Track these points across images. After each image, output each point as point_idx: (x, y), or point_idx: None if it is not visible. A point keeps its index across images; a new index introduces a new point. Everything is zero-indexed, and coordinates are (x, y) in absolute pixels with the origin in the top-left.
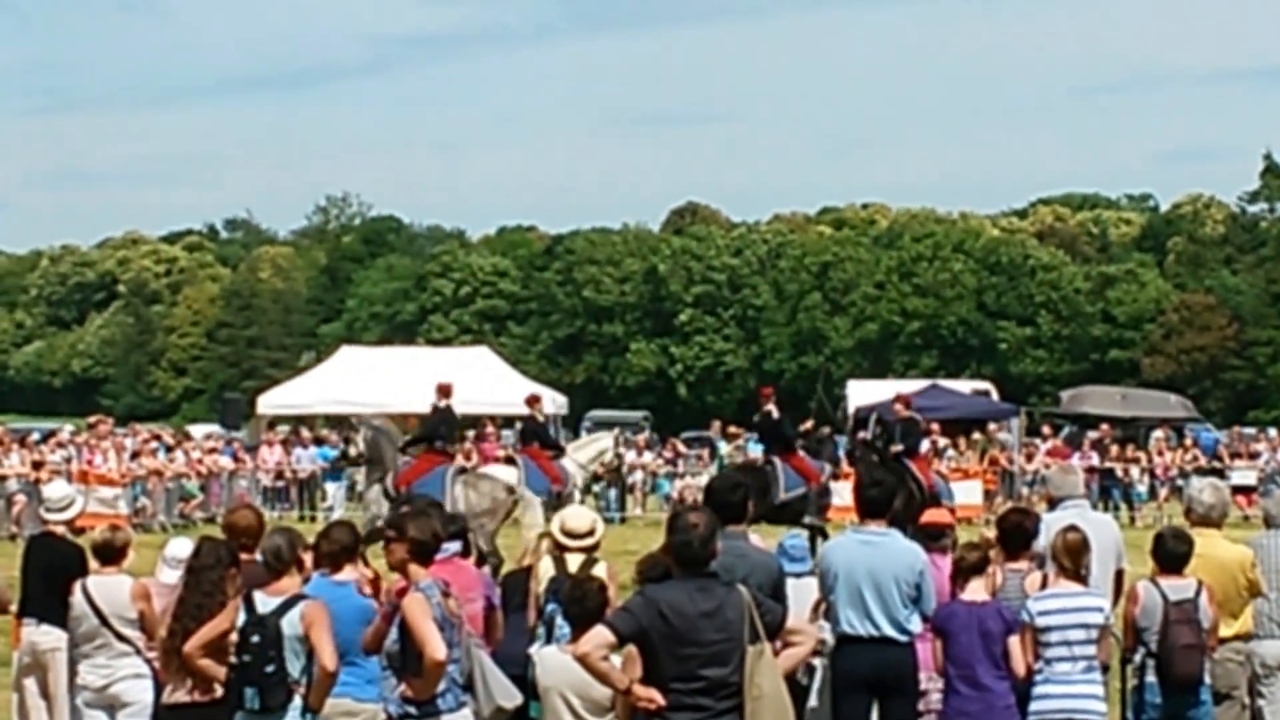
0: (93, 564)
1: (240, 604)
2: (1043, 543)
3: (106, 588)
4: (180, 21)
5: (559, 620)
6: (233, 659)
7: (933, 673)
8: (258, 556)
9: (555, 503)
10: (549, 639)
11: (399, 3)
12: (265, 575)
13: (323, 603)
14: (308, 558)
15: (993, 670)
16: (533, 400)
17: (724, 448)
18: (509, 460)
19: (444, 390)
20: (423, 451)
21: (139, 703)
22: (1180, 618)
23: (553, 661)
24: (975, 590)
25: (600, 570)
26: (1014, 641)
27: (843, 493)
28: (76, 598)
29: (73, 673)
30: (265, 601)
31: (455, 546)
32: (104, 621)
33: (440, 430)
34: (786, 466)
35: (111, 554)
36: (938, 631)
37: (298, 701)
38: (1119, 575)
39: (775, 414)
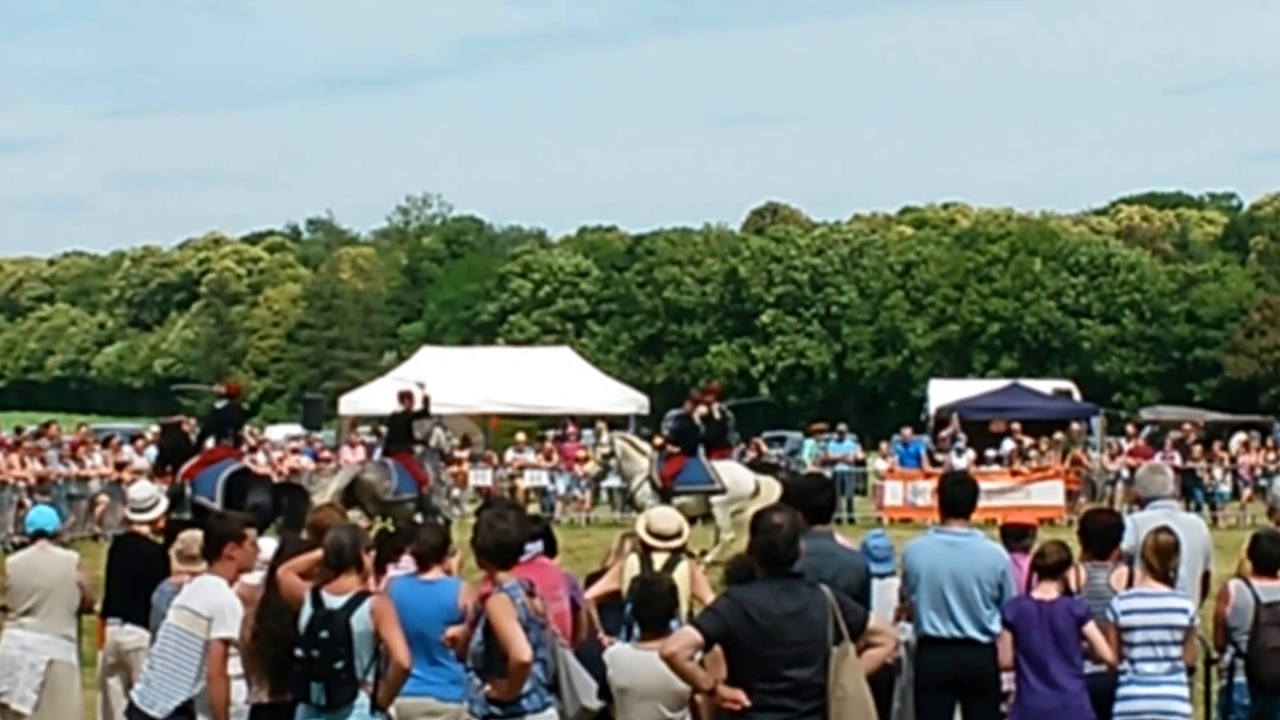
0: (177, 564)
1: (308, 597)
2: (1129, 542)
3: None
4: (263, 24)
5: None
6: (299, 653)
7: (1011, 673)
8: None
9: (420, 503)
10: (629, 638)
11: (481, 4)
12: (327, 572)
13: (389, 598)
14: (369, 557)
15: (1067, 668)
16: (403, 396)
17: (809, 446)
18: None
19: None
20: (214, 446)
21: (233, 703)
22: (1271, 620)
23: (628, 660)
24: (1046, 589)
25: (683, 570)
26: (1092, 629)
27: (924, 492)
28: (162, 597)
29: None
30: (332, 598)
31: (537, 547)
32: None
33: (226, 427)
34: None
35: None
36: (1009, 626)
37: (363, 698)
38: (1205, 577)
39: (719, 414)
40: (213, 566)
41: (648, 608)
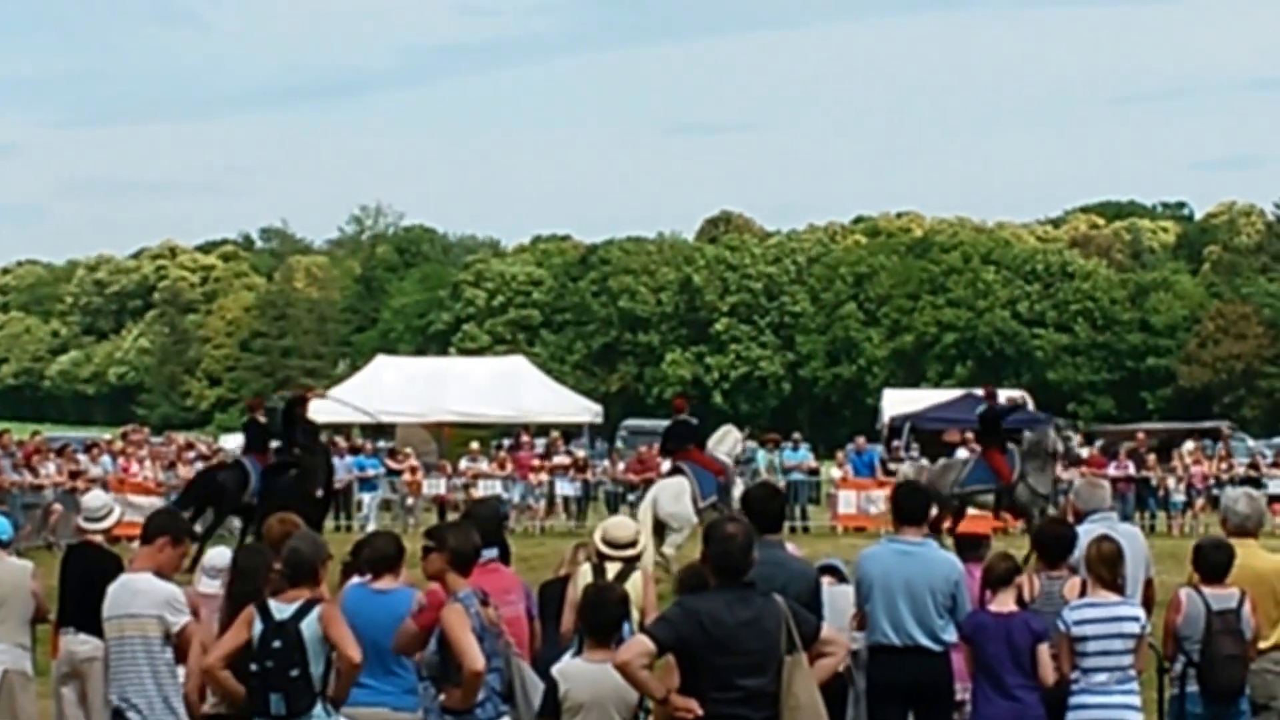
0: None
1: (254, 613)
2: (1076, 555)
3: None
4: (216, 33)
5: None
6: (253, 666)
7: (968, 683)
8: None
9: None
10: (580, 649)
11: (434, 14)
12: (281, 583)
13: (336, 603)
14: (324, 569)
15: (1022, 680)
16: (254, 405)
17: (763, 455)
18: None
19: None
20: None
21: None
22: (1223, 628)
23: (580, 673)
24: (1004, 601)
25: (635, 580)
26: (1043, 650)
27: (878, 501)
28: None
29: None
30: (280, 608)
31: (493, 553)
32: None
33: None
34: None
35: None
36: (966, 640)
37: (320, 705)
38: (1148, 585)
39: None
40: (140, 556)
41: (597, 616)
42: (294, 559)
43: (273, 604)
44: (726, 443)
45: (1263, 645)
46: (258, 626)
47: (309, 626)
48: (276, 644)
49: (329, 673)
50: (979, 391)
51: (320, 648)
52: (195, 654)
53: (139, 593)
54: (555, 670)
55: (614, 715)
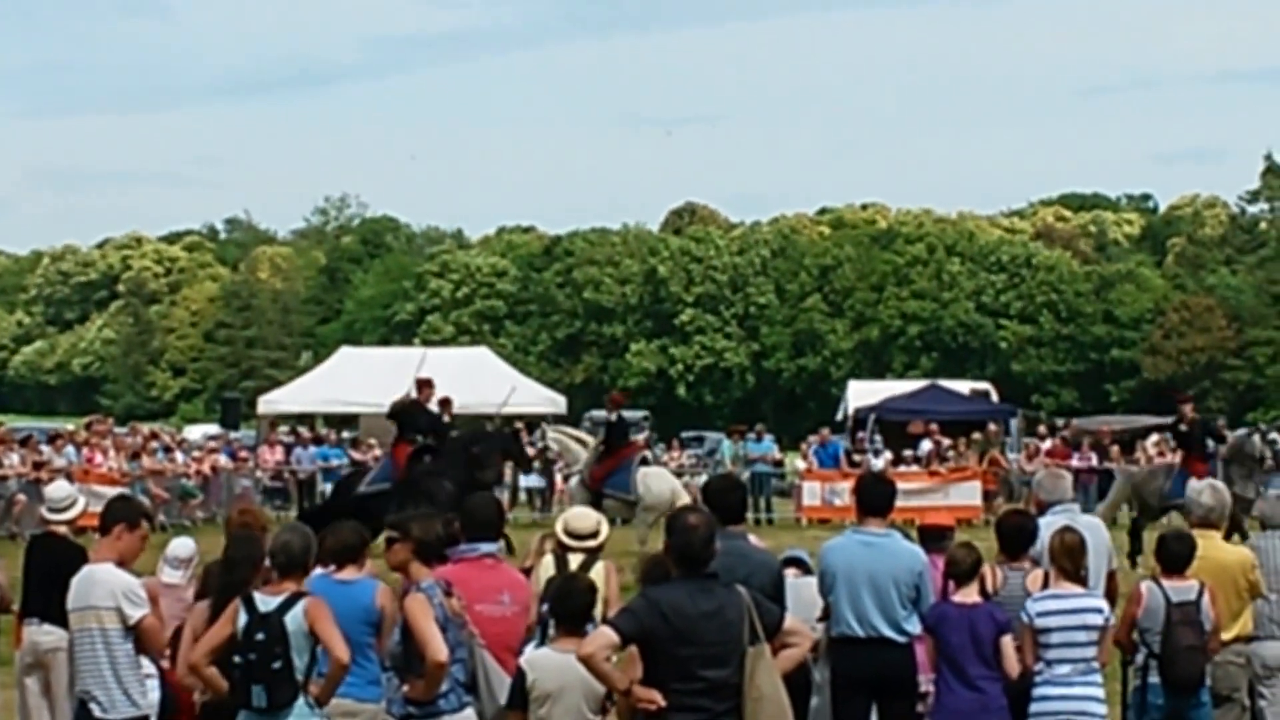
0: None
1: (240, 605)
2: (1038, 547)
3: None
4: (181, 24)
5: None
6: (236, 658)
7: (931, 674)
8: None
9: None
10: (543, 640)
11: (398, 5)
12: (268, 573)
13: (321, 598)
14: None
15: (985, 671)
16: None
17: (727, 446)
18: None
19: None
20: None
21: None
22: (1183, 619)
23: (548, 662)
24: (967, 592)
25: (599, 570)
26: (1006, 642)
27: (842, 493)
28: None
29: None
30: (265, 600)
31: (492, 547)
32: None
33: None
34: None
35: None
36: (929, 631)
37: (303, 699)
38: (1111, 577)
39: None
40: (100, 546)
41: (566, 606)
42: (284, 551)
43: (258, 596)
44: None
45: (1225, 637)
46: (242, 618)
47: (293, 620)
48: (260, 636)
49: (313, 666)
50: (943, 383)
51: (304, 641)
52: (186, 644)
53: (97, 583)
54: (523, 660)
55: (582, 704)
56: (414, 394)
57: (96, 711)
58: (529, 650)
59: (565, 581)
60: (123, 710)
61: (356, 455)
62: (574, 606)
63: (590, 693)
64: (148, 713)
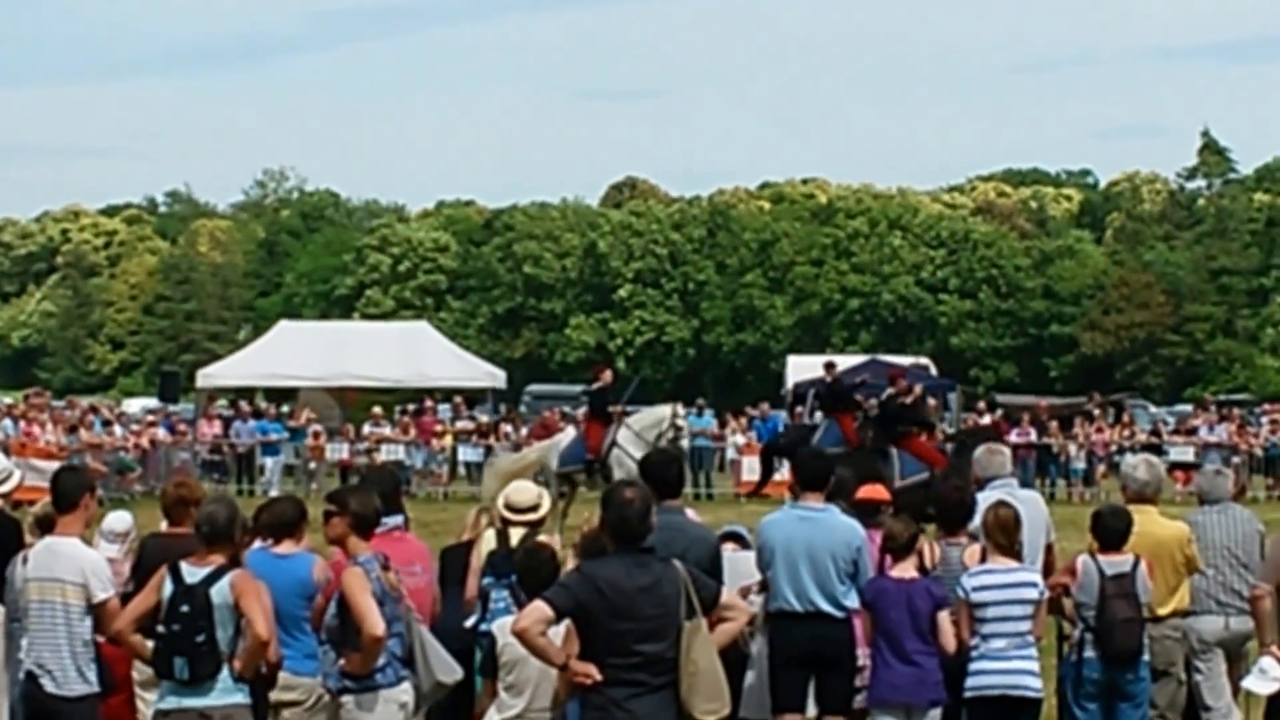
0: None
1: (166, 575)
2: (976, 523)
3: None
4: None
5: (494, 595)
6: (160, 629)
7: (869, 649)
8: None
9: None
10: (484, 614)
11: None
12: (196, 545)
13: (250, 572)
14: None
15: (921, 645)
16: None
17: None
18: None
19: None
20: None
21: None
22: (1117, 592)
23: None
24: (904, 567)
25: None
26: (943, 617)
27: (780, 468)
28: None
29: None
30: (192, 572)
31: (397, 520)
32: None
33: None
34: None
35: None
36: (867, 606)
37: (226, 671)
38: (1048, 551)
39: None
40: (63, 521)
41: (533, 577)
42: (209, 522)
43: (185, 566)
44: (643, 420)
45: (1162, 612)
46: (168, 588)
47: (219, 593)
48: (184, 608)
49: (238, 639)
50: (884, 357)
51: (229, 615)
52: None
53: (61, 555)
54: (495, 626)
55: (550, 671)
56: None
57: (49, 686)
58: (498, 623)
59: (528, 555)
60: (75, 687)
61: (293, 423)
62: (541, 577)
63: None
64: (99, 690)
